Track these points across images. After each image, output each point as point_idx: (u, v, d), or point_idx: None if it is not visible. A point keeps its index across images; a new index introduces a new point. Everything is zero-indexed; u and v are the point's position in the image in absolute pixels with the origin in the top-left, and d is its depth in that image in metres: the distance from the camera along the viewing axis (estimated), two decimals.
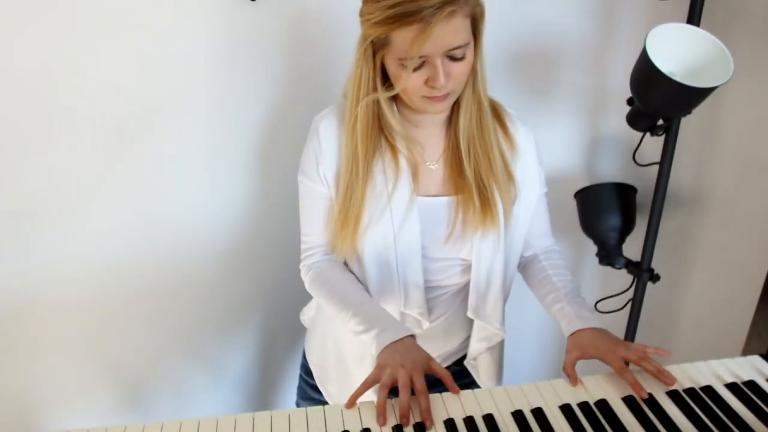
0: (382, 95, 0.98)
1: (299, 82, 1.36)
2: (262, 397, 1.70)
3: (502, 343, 1.21)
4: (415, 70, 0.93)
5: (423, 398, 0.87)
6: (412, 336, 0.96)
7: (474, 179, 1.04)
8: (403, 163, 1.03)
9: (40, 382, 1.43)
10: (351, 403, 0.89)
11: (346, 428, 0.86)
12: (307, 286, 1.12)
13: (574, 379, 0.95)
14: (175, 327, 1.50)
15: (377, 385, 0.90)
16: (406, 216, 1.03)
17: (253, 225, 1.47)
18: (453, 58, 0.92)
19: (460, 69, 0.94)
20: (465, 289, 1.12)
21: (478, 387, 1.19)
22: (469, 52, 0.94)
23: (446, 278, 1.10)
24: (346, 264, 1.12)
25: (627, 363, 0.95)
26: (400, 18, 0.87)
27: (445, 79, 0.92)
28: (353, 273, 1.11)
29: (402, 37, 0.90)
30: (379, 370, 0.90)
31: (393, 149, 1.03)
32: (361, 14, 0.94)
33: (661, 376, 0.92)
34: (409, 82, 0.94)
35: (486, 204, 1.04)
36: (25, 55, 1.16)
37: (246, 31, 1.29)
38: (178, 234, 1.41)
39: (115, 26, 1.20)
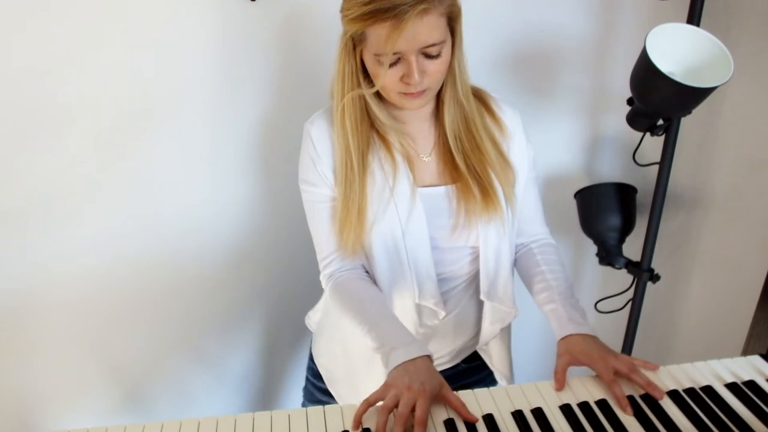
0: (365, 91, 0.99)
1: (298, 82, 1.36)
2: (264, 398, 1.70)
3: (509, 327, 1.21)
4: (391, 66, 0.93)
5: (419, 429, 0.83)
6: (428, 356, 0.93)
7: (468, 171, 1.05)
8: (398, 156, 1.04)
9: (40, 382, 1.43)
10: (356, 424, 0.86)
11: (346, 428, 0.86)
12: (327, 296, 1.12)
13: (561, 384, 0.94)
14: (177, 327, 1.50)
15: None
16: (410, 207, 1.04)
17: (255, 225, 1.47)
18: (428, 56, 0.93)
19: (436, 67, 0.95)
20: (475, 280, 1.12)
21: (485, 387, 1.19)
22: (446, 50, 0.95)
23: (458, 268, 1.11)
24: (364, 268, 1.11)
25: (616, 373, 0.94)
26: (375, 14, 0.88)
27: (419, 76, 0.93)
28: (366, 272, 1.10)
29: (377, 34, 0.91)
30: (385, 390, 0.88)
31: (386, 144, 1.04)
32: (341, 10, 0.95)
33: (650, 389, 0.91)
34: (386, 79, 0.95)
35: (485, 192, 1.05)
36: (23, 55, 1.16)
37: (245, 31, 1.29)
38: (179, 234, 1.41)
39: (114, 27, 1.20)
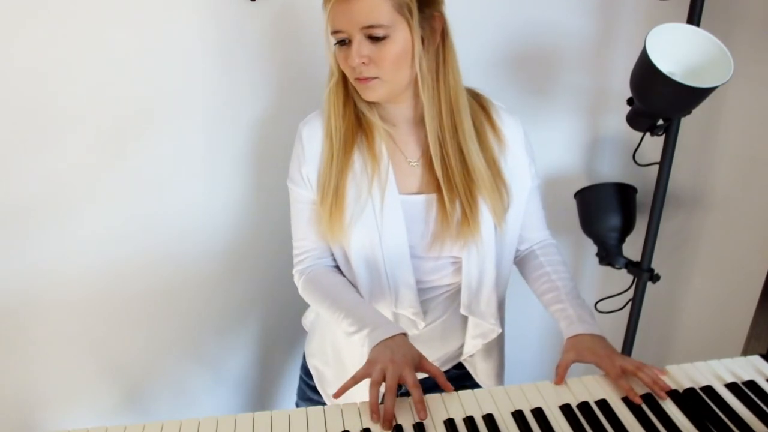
0: (333, 77, 1.01)
1: (296, 83, 1.36)
2: (261, 398, 1.70)
3: (501, 342, 1.20)
4: (340, 46, 0.96)
5: (415, 391, 0.86)
6: (404, 334, 0.96)
7: (447, 185, 1.02)
8: (381, 158, 1.03)
9: (40, 382, 1.43)
10: (338, 394, 0.89)
11: (346, 428, 0.86)
12: (300, 291, 1.12)
13: (561, 378, 0.95)
14: (176, 327, 1.50)
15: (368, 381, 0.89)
16: (388, 212, 1.03)
17: (252, 225, 1.47)
18: (373, 39, 0.93)
19: (382, 54, 0.94)
20: (460, 291, 1.11)
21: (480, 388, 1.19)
22: (396, 39, 0.94)
23: (439, 278, 1.10)
24: (338, 268, 1.12)
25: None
26: None
27: (359, 58, 0.94)
28: (344, 276, 1.11)
29: (326, 12, 0.95)
30: (370, 366, 0.90)
31: (372, 146, 1.03)
32: None
33: (656, 388, 0.91)
34: (338, 60, 0.98)
35: (464, 215, 1.03)
36: (22, 55, 1.16)
37: (245, 31, 1.28)
38: (179, 234, 1.41)
39: (113, 27, 1.20)
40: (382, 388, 0.88)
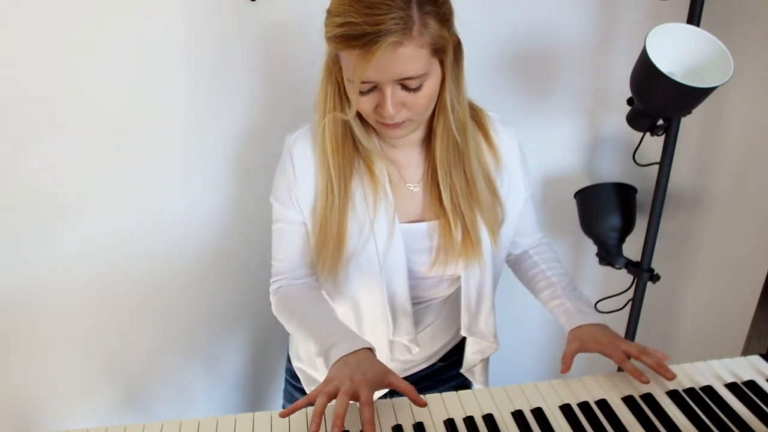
0: (341, 115, 0.93)
1: (287, 90, 1.35)
2: (260, 397, 1.70)
3: None
4: (366, 93, 0.88)
5: (366, 409, 0.79)
6: (369, 349, 0.91)
7: (452, 207, 1.00)
8: (381, 186, 0.99)
9: (40, 382, 1.43)
10: (285, 414, 0.83)
11: (346, 428, 0.86)
12: (273, 311, 1.08)
13: (567, 367, 0.94)
14: (174, 328, 1.50)
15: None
16: (389, 243, 1.00)
17: (248, 227, 1.47)
18: (407, 88, 0.86)
19: (417, 100, 0.88)
20: (453, 295, 1.11)
21: (462, 383, 1.21)
22: (430, 83, 0.88)
23: (435, 293, 1.10)
24: (314, 282, 1.08)
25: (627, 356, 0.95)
26: (346, 40, 0.82)
27: (394, 108, 0.87)
28: (336, 306, 1.07)
29: (347, 59, 0.85)
30: (325, 384, 0.84)
31: (371, 171, 0.99)
32: (324, 26, 0.88)
33: (662, 370, 0.92)
34: (361, 105, 0.89)
35: (466, 234, 1.01)
36: (22, 56, 1.16)
37: (242, 33, 1.28)
38: (178, 236, 1.41)
39: (106, 29, 1.19)
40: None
